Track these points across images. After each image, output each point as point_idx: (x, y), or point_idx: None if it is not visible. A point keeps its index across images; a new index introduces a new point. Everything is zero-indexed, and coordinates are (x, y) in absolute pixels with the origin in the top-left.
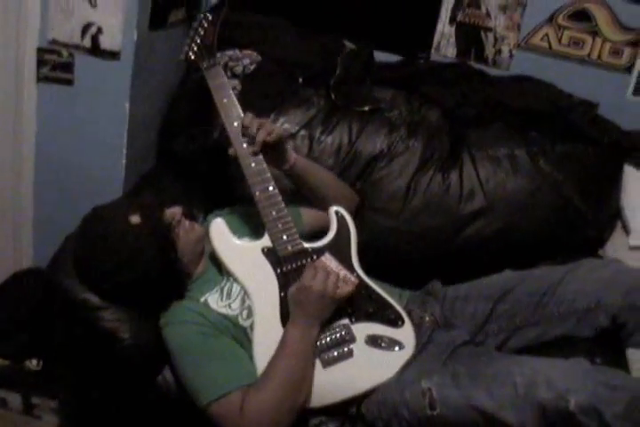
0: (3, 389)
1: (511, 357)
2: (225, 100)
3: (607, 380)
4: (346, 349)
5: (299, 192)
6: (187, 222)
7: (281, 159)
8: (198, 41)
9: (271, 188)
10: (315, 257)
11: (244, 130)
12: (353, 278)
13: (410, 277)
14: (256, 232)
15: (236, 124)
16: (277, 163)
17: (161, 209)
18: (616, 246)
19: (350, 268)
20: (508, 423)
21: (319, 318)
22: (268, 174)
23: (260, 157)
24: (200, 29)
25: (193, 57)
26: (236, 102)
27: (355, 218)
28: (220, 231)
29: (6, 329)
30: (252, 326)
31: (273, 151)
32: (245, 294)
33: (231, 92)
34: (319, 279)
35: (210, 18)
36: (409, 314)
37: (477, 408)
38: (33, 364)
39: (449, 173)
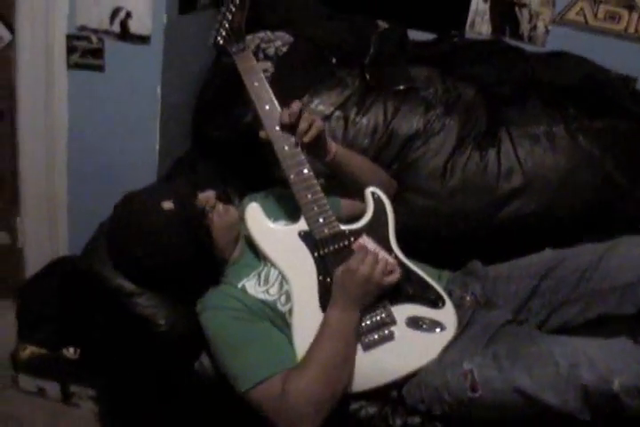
0: (41, 377)
1: (553, 337)
2: (256, 84)
3: None
4: (387, 331)
5: (335, 178)
6: (220, 206)
7: (321, 152)
8: (226, 25)
9: (306, 170)
10: (352, 239)
11: (283, 126)
12: (398, 268)
13: (449, 258)
14: (293, 215)
15: (267, 107)
16: (318, 155)
17: (194, 194)
18: None
19: (388, 249)
20: (550, 405)
21: (361, 302)
22: (303, 157)
23: (293, 139)
24: (228, 14)
25: (222, 42)
26: (267, 86)
27: (393, 201)
28: (256, 215)
29: (43, 318)
30: (290, 311)
31: (313, 145)
32: (283, 278)
33: (262, 75)
34: (368, 263)
35: (237, 2)
36: (449, 294)
37: (519, 390)
38: (70, 352)
39: (486, 152)
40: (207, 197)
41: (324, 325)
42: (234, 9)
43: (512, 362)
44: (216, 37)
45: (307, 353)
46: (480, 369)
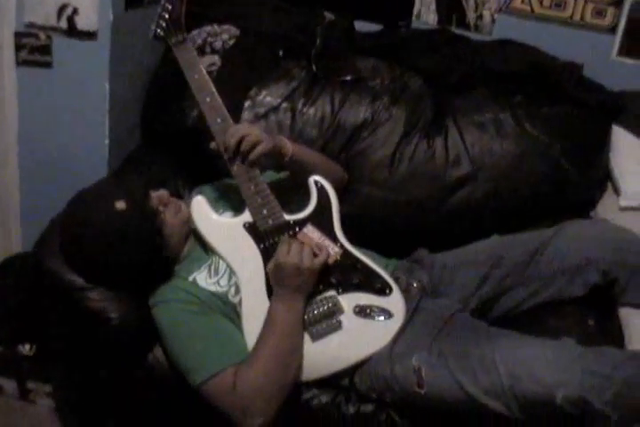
0: None
1: (497, 337)
2: (196, 77)
3: (596, 368)
4: (334, 320)
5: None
6: (173, 205)
7: (278, 156)
8: (166, 16)
9: None
10: (297, 229)
11: (228, 145)
12: (331, 248)
13: (396, 246)
14: (241, 206)
15: (208, 99)
16: (276, 160)
17: (147, 193)
18: (607, 208)
19: (334, 238)
20: (493, 409)
21: (301, 291)
22: None
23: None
24: (167, 5)
25: (162, 33)
26: (207, 77)
27: (344, 192)
28: (201, 209)
29: None
30: (240, 302)
31: (265, 160)
32: (230, 270)
33: (202, 67)
34: (293, 252)
35: None
36: (396, 281)
37: (464, 391)
38: (26, 349)
39: (434, 140)
40: (160, 196)
41: (267, 318)
42: (173, 0)
43: (458, 362)
44: (156, 29)
45: (254, 347)
46: (427, 367)
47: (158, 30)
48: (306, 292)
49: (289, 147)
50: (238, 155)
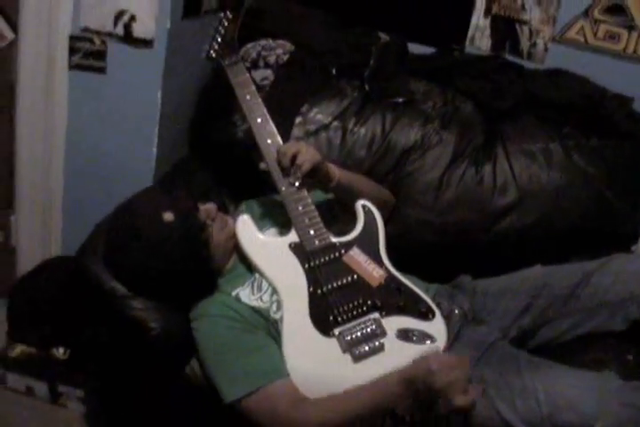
0: (29, 377)
1: (538, 366)
2: (248, 97)
3: (634, 401)
4: (377, 343)
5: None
6: (220, 220)
7: (324, 180)
8: (219, 39)
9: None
10: (343, 251)
11: (279, 160)
12: (376, 271)
13: (438, 271)
14: (288, 222)
15: (259, 120)
16: (322, 184)
17: (195, 206)
18: None
19: (379, 261)
20: None
21: (414, 394)
22: None
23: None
24: (220, 28)
25: (214, 55)
26: (259, 99)
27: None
28: (247, 228)
29: (34, 317)
30: (281, 319)
31: (311, 176)
32: (273, 290)
33: (254, 88)
34: (448, 378)
35: (230, 16)
36: (437, 306)
37: (502, 419)
38: (60, 352)
39: (482, 166)
40: (208, 209)
41: (376, 382)
42: (226, 23)
43: (497, 390)
44: (209, 51)
45: (341, 394)
46: None
47: (211, 51)
48: (417, 396)
49: (336, 172)
50: (289, 171)
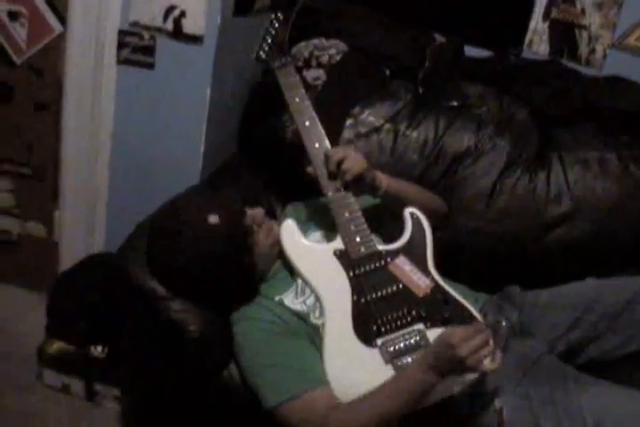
0: (66, 374)
1: (586, 384)
2: (297, 100)
3: None
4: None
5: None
6: (267, 225)
7: (371, 188)
8: (269, 40)
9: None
10: (389, 260)
11: (326, 165)
12: (422, 280)
13: (488, 280)
14: (332, 228)
15: (307, 123)
16: (369, 191)
17: (242, 210)
18: None
19: (425, 270)
20: None
21: (443, 372)
22: None
23: None
24: (271, 29)
25: (264, 56)
26: (308, 102)
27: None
28: (291, 233)
29: (74, 313)
30: (323, 326)
31: (357, 183)
32: (316, 297)
33: (303, 91)
34: (469, 348)
35: (281, 17)
36: (484, 318)
37: None
38: (98, 350)
39: (536, 174)
40: (255, 215)
41: (402, 376)
42: (277, 24)
43: (542, 407)
44: (258, 52)
45: (370, 393)
46: (510, 409)
47: (261, 53)
48: (445, 375)
49: (384, 180)
50: (337, 176)
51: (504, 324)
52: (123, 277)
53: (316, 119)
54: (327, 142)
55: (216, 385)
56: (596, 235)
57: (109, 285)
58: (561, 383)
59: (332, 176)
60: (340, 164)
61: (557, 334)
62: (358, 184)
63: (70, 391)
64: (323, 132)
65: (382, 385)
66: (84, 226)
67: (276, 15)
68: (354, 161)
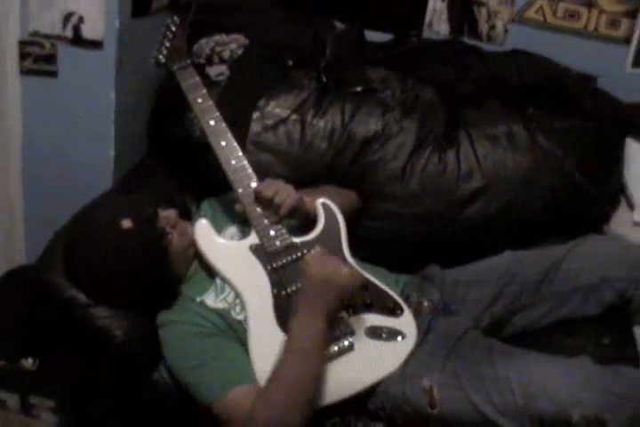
0: (0, 389)
1: (511, 355)
2: (199, 101)
3: (613, 386)
4: (346, 342)
5: None
6: (180, 227)
7: (304, 215)
8: (167, 44)
9: (254, 184)
10: (305, 251)
11: (258, 202)
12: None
13: (407, 261)
14: (246, 224)
15: (212, 122)
16: (302, 217)
17: (155, 213)
18: (620, 223)
19: (342, 259)
20: None
21: (323, 309)
22: (250, 171)
23: (240, 153)
24: (168, 32)
25: (163, 60)
26: (211, 102)
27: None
28: (205, 232)
29: (0, 328)
30: (245, 320)
31: (293, 213)
32: (236, 294)
33: (205, 91)
34: (329, 265)
35: (178, 21)
36: (406, 299)
37: (478, 411)
38: (29, 363)
39: (445, 153)
40: (168, 216)
41: (289, 340)
42: (174, 28)
43: (471, 382)
44: (157, 57)
45: (272, 372)
46: (439, 387)
47: (160, 57)
48: (327, 310)
49: (308, 202)
50: (271, 211)
51: (426, 304)
52: (44, 289)
53: (221, 118)
54: (235, 143)
55: (148, 387)
56: (511, 208)
57: (32, 298)
58: (487, 357)
59: (266, 212)
60: (271, 199)
61: (481, 309)
62: (291, 215)
63: (6, 407)
64: (228, 130)
65: (278, 359)
66: (3, 239)
67: (173, 19)
68: (285, 194)
